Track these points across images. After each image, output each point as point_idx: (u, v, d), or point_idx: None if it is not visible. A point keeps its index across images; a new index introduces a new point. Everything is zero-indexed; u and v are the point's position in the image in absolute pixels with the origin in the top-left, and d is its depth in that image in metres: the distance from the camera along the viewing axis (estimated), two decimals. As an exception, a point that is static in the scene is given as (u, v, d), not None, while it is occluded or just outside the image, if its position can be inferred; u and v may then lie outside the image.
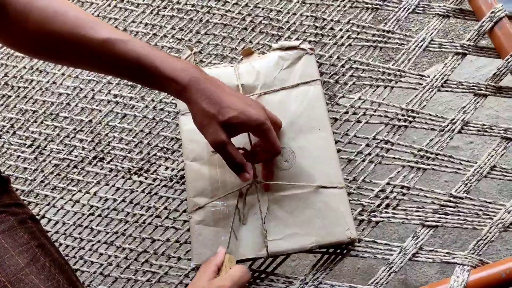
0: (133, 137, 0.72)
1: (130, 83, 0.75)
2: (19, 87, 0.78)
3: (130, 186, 0.70)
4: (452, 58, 0.68)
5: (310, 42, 0.73)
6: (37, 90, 0.77)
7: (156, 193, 0.69)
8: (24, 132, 0.75)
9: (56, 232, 0.70)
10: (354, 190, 0.64)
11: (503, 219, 0.60)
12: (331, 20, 0.73)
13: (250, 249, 0.60)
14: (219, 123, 0.52)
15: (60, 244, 0.69)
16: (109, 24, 0.56)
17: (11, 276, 0.53)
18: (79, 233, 0.69)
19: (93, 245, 0.68)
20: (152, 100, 0.73)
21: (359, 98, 0.68)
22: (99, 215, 0.70)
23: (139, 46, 0.52)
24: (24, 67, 0.78)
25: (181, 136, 0.67)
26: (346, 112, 0.68)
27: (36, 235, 0.59)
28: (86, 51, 0.52)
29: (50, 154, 0.74)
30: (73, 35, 0.51)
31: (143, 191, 0.70)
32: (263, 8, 0.76)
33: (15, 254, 0.55)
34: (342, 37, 0.72)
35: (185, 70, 0.52)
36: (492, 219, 0.60)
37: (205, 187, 0.63)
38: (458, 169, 0.63)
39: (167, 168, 0.70)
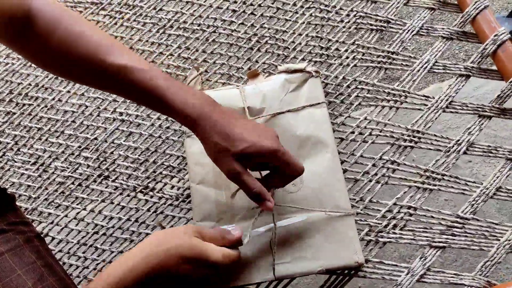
0: (139, 155, 0.72)
1: (136, 101, 0.75)
2: (23, 104, 0.77)
3: (136, 204, 0.70)
4: (456, 80, 0.69)
5: (315, 62, 0.73)
6: (42, 108, 0.77)
7: (162, 212, 0.69)
8: (28, 149, 0.75)
9: (60, 251, 0.69)
10: (361, 210, 0.64)
11: (510, 240, 0.60)
12: (337, 41, 0.74)
13: (256, 273, 0.59)
14: (232, 155, 0.52)
15: (64, 263, 0.68)
16: (130, 50, 0.56)
17: (17, 296, 0.52)
18: (83, 252, 0.69)
19: (97, 264, 0.67)
20: (158, 118, 0.74)
21: (365, 118, 0.69)
22: (104, 234, 0.69)
23: (154, 75, 0.53)
24: (30, 84, 0.78)
25: (186, 158, 0.67)
26: (352, 132, 0.69)
27: (42, 254, 0.58)
28: (103, 75, 0.53)
29: (55, 172, 0.73)
30: (93, 59, 0.52)
31: (148, 210, 0.69)
32: (269, 29, 0.76)
33: (22, 274, 0.54)
34: (347, 57, 0.73)
35: (196, 105, 0.53)
36: (499, 240, 0.61)
37: (212, 211, 0.62)
38: (464, 189, 0.64)
39: (173, 186, 0.70)
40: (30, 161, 0.74)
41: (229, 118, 0.54)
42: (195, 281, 0.53)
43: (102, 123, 0.75)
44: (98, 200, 0.71)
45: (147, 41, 0.79)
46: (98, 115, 0.76)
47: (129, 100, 0.75)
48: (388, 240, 0.63)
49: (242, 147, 0.52)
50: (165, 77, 0.54)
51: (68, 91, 0.77)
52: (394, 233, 0.63)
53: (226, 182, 0.62)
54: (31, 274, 0.55)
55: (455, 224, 0.62)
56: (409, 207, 0.64)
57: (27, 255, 0.56)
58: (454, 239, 0.62)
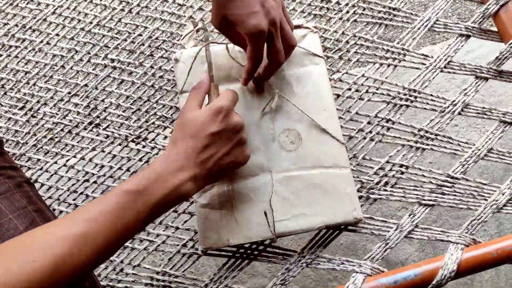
0: (131, 104, 0.71)
1: (128, 47, 0.73)
2: (10, 46, 0.74)
3: (127, 153, 0.69)
4: (456, 39, 0.68)
5: (315, 15, 0.72)
6: (30, 50, 0.74)
7: (154, 162, 0.68)
8: (15, 93, 0.73)
9: (50, 197, 0.68)
10: (354, 167, 0.65)
11: (497, 200, 0.62)
12: (337, -6, 0.72)
13: (256, 231, 0.59)
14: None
15: (54, 210, 0.67)
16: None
17: (10, 239, 0.52)
18: (74, 199, 0.68)
19: (88, 211, 0.67)
20: (151, 66, 0.72)
21: (363, 75, 0.68)
22: (95, 182, 0.68)
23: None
24: (16, 25, 0.75)
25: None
26: (349, 89, 0.68)
27: (33, 199, 0.58)
28: None
29: (43, 118, 0.71)
30: None
31: (140, 160, 0.68)
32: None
33: (13, 218, 0.54)
34: (347, 12, 0.71)
35: None
36: (487, 200, 0.62)
37: None
38: (457, 150, 0.65)
39: (165, 137, 0.69)
40: (17, 106, 0.72)
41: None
42: (238, 131, 0.53)
43: (93, 69, 0.73)
44: (88, 148, 0.70)
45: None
46: (89, 61, 0.73)
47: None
48: (379, 196, 0.64)
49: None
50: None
51: (57, 34, 0.74)
52: (385, 190, 0.64)
53: None
54: (23, 219, 0.54)
55: (445, 183, 0.63)
56: (401, 165, 0.64)
57: (18, 199, 0.56)
58: (443, 198, 0.63)
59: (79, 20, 0.74)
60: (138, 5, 0.74)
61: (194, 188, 0.51)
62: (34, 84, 0.73)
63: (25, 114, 0.72)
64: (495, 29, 0.69)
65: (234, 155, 0.54)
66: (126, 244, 0.65)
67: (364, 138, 0.66)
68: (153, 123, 0.70)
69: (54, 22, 0.75)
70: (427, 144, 0.65)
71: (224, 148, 0.52)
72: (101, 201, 0.47)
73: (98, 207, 0.46)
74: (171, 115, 0.70)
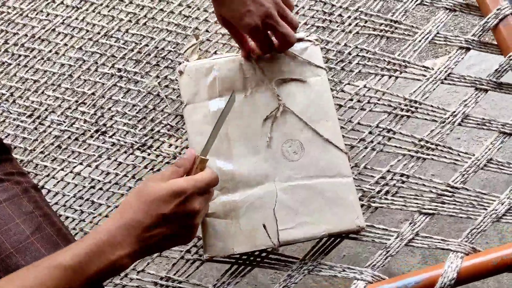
0: (137, 113, 0.72)
1: (135, 57, 0.74)
2: (19, 55, 0.76)
3: (133, 161, 0.70)
4: (456, 52, 0.70)
5: (318, 27, 0.73)
6: (39, 60, 0.76)
7: (159, 170, 0.69)
8: (24, 101, 0.74)
9: (56, 203, 0.69)
10: (356, 176, 0.66)
11: (496, 210, 0.63)
12: (340, 6, 0.74)
13: (261, 239, 0.60)
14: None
15: (60, 215, 0.68)
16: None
17: (16, 244, 0.53)
18: (80, 206, 0.69)
19: (94, 217, 0.68)
20: (157, 76, 0.73)
21: (364, 86, 0.69)
22: (100, 189, 0.70)
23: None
24: (26, 35, 0.77)
25: (186, 127, 0.66)
26: (351, 99, 0.69)
27: (40, 204, 0.59)
28: None
29: (51, 125, 0.73)
30: None
31: (145, 167, 0.70)
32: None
33: (20, 222, 0.55)
34: (350, 24, 0.73)
35: None
36: (486, 209, 0.63)
37: None
38: (457, 160, 0.66)
39: (170, 145, 0.70)
40: (26, 113, 0.74)
41: None
42: (192, 216, 0.50)
43: (100, 79, 0.75)
44: (95, 155, 0.71)
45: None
46: (96, 70, 0.75)
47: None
48: (380, 205, 0.65)
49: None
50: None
51: (65, 44, 0.76)
52: (386, 199, 0.65)
53: (227, 151, 0.62)
54: (29, 223, 0.55)
55: (445, 193, 0.64)
56: (402, 175, 0.65)
57: (25, 204, 0.57)
58: (443, 207, 0.64)
59: (87, 31, 0.76)
60: (145, 16, 0.76)
61: (129, 262, 0.48)
62: (42, 93, 0.75)
63: (33, 121, 0.73)
64: (495, 42, 0.70)
65: (178, 237, 0.52)
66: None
67: (366, 147, 0.67)
68: (158, 131, 0.71)
69: (63, 32, 0.76)
70: (428, 154, 0.66)
71: (170, 230, 0.49)
72: (37, 272, 0.45)
73: (32, 278, 0.44)
74: (176, 123, 0.71)
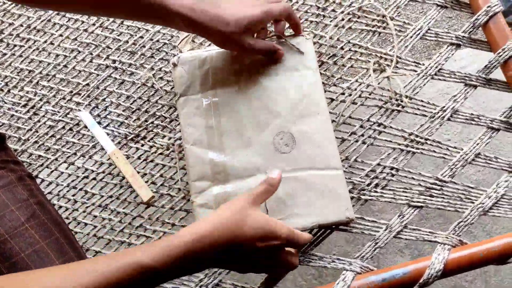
0: (131, 104, 0.73)
1: (130, 49, 0.75)
2: (15, 45, 0.76)
3: (126, 151, 0.71)
4: (446, 48, 0.71)
5: (311, 22, 0.74)
6: (34, 50, 0.76)
7: (152, 161, 0.70)
8: (19, 91, 0.75)
9: (50, 192, 0.70)
10: (346, 168, 0.67)
11: (483, 203, 0.64)
12: (333, 1, 0.74)
13: None
14: (236, 34, 0.57)
15: (54, 204, 0.69)
16: None
17: (11, 230, 0.54)
18: (73, 195, 0.70)
19: (87, 207, 0.69)
20: (152, 68, 0.74)
21: (356, 81, 0.70)
22: (94, 179, 0.70)
23: None
24: (21, 25, 0.77)
25: (179, 119, 0.66)
26: (343, 93, 0.70)
27: (34, 192, 0.59)
28: None
29: (45, 115, 0.73)
30: None
31: (139, 158, 0.70)
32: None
33: (15, 209, 0.55)
34: (343, 19, 0.74)
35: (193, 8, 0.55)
36: (473, 203, 0.64)
37: (206, 171, 0.63)
38: (445, 154, 0.67)
39: (164, 136, 0.71)
40: (20, 103, 0.74)
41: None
42: (264, 256, 0.52)
43: (95, 70, 0.75)
44: (89, 145, 0.72)
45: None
46: (91, 61, 0.75)
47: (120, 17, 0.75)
48: (370, 198, 0.66)
49: (235, 25, 0.57)
50: None
51: (61, 35, 0.76)
52: (376, 191, 0.66)
53: (220, 143, 0.63)
54: (24, 211, 0.56)
55: (434, 186, 0.65)
56: (392, 168, 0.67)
57: (20, 192, 0.58)
58: (432, 200, 0.65)
59: (83, 22, 0.77)
60: (140, 8, 0.77)
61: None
62: (37, 83, 0.75)
63: (28, 111, 0.74)
64: (485, 39, 0.71)
65: (254, 268, 0.54)
66: (123, 239, 0.67)
67: (357, 141, 0.68)
68: (152, 122, 0.72)
69: (58, 23, 0.77)
70: (417, 148, 0.67)
71: (248, 261, 0.52)
72: (114, 265, 0.44)
73: (105, 272, 0.43)
74: (170, 115, 0.72)
